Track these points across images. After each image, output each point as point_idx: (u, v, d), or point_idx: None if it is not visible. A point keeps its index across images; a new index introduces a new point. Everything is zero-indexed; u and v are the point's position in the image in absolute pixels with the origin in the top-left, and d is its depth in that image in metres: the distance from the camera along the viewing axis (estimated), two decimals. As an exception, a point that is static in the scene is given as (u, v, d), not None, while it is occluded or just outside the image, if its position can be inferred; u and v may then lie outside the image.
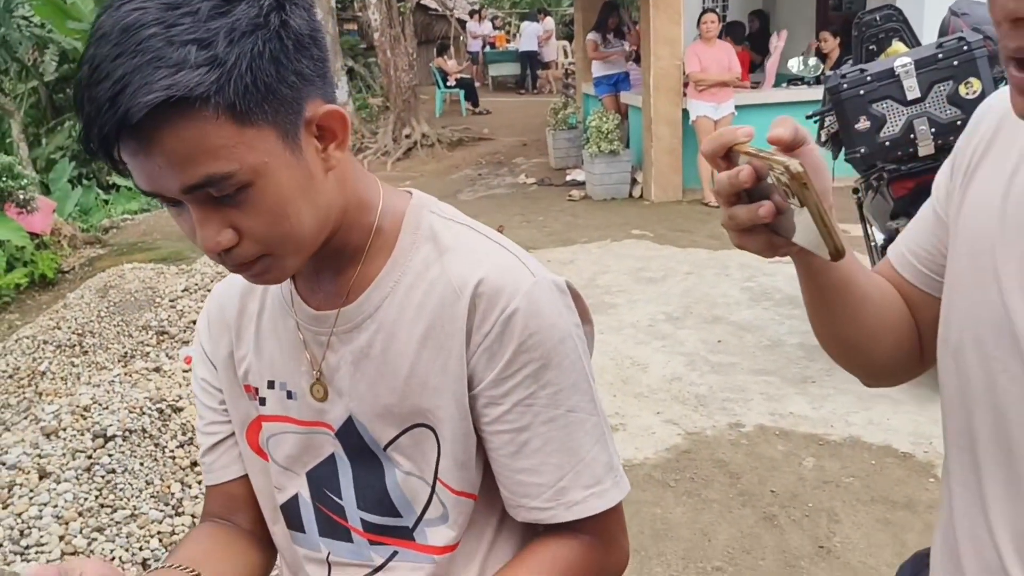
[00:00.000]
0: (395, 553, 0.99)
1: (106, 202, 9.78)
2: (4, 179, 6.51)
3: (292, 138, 0.79)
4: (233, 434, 1.06)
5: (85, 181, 10.26)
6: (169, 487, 3.22)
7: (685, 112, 8.08)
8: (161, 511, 3.11)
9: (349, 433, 0.97)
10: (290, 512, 1.04)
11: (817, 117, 4.02)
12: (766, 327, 4.92)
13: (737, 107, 7.90)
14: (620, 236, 7.14)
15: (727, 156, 0.76)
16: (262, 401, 1.03)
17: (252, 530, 1.07)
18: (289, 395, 1.00)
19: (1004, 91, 0.80)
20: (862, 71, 3.52)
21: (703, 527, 3.07)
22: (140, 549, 2.93)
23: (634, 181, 8.63)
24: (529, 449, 0.91)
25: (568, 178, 9.52)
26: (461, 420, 0.92)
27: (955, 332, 0.84)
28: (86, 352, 4.29)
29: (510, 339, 0.88)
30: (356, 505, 0.99)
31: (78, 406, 3.51)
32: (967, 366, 0.82)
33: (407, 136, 12.15)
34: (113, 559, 2.85)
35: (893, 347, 0.96)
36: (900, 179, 3.59)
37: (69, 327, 4.55)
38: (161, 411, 3.57)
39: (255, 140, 0.75)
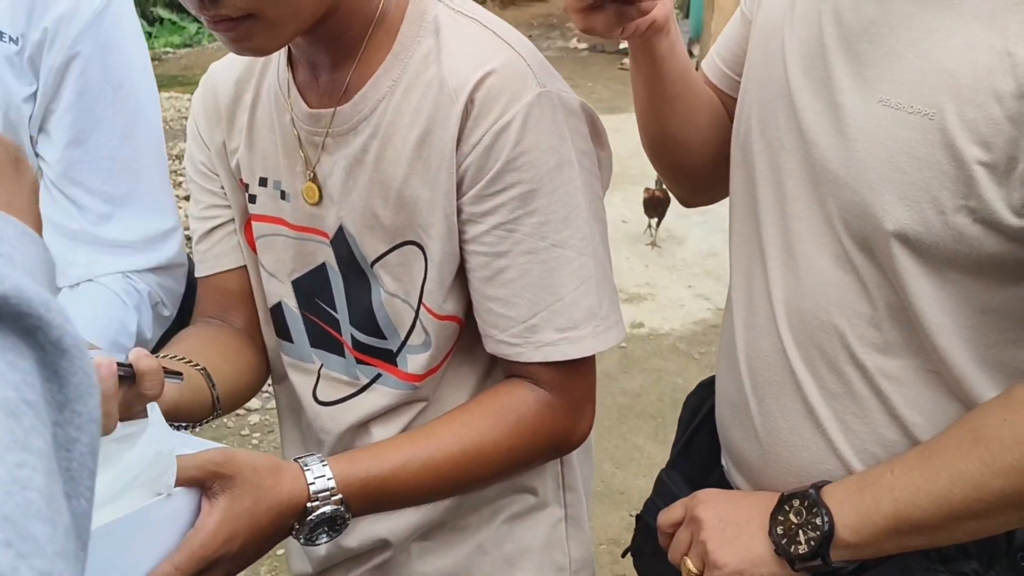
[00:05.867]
0: (379, 376, 0.94)
1: (150, 35, 9.63)
2: None
3: None
4: (231, 221, 1.00)
5: (129, 11, 10.08)
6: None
7: (752, -17, 7.66)
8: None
9: (340, 243, 0.90)
10: (276, 318, 0.99)
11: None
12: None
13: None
14: (670, 109, 6.91)
15: None
16: (251, 199, 0.96)
17: (247, 330, 1.02)
18: (283, 195, 0.93)
19: None
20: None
21: (724, 400, 3.05)
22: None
23: (691, 54, 8.26)
24: (504, 278, 0.84)
25: (622, 45, 9.14)
26: (449, 239, 0.85)
27: (744, 120, 0.91)
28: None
29: (499, 153, 0.80)
30: (348, 320, 0.94)
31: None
32: (752, 153, 0.89)
33: (459, -10, 11.75)
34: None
35: (719, 151, 0.99)
36: None
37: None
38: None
39: None
